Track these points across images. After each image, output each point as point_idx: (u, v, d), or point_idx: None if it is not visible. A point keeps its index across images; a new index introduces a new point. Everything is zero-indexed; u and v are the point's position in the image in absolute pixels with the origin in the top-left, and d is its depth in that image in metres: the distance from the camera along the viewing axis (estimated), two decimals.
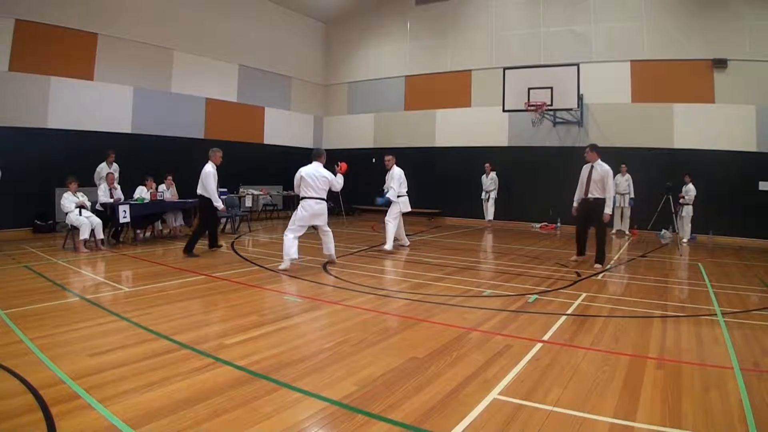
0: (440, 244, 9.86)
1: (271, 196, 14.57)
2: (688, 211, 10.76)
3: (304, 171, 6.67)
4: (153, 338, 3.74)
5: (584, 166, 7.35)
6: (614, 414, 2.61)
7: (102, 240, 8.24)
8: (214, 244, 8.21)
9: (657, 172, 11.39)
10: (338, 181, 6.90)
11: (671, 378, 3.14)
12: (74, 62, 10.49)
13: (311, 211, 6.63)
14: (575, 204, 7.51)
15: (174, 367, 3.16)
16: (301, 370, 3.18)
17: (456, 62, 14.59)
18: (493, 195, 13.15)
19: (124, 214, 8.34)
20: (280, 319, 4.38)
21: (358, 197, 14.94)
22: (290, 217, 6.82)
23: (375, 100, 16.18)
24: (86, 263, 6.99)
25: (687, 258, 8.80)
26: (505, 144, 13.78)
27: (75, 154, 10.09)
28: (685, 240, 10.80)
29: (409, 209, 8.93)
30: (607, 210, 7.07)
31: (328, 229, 6.89)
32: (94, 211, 8.41)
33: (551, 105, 11.60)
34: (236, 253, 8.06)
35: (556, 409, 2.66)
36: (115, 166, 9.84)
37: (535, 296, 5.39)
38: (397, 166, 8.83)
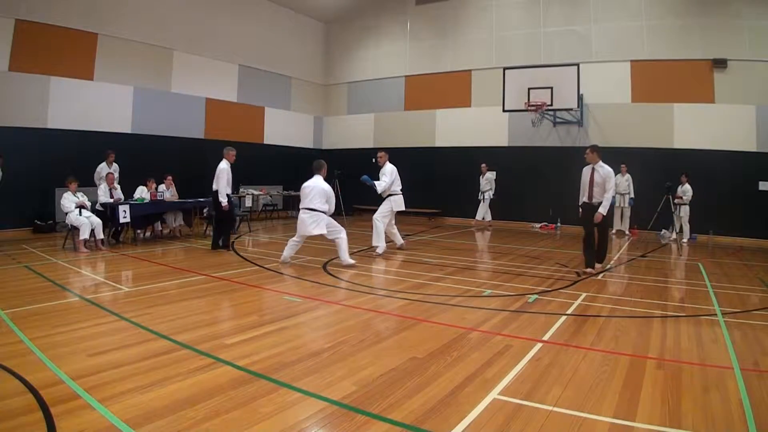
0: (440, 244, 9.85)
1: (271, 196, 14.54)
2: (685, 211, 10.76)
3: (305, 184, 6.98)
4: (153, 338, 3.74)
5: (585, 168, 6.97)
6: (614, 414, 2.61)
7: (102, 240, 8.24)
8: (224, 244, 8.23)
9: (657, 172, 11.37)
10: (332, 201, 6.91)
11: (671, 378, 3.14)
12: (74, 62, 10.49)
13: (300, 221, 6.91)
14: (581, 210, 7.21)
15: (174, 367, 3.15)
16: (301, 370, 3.18)
17: (456, 62, 14.59)
18: (487, 195, 12.92)
19: (124, 214, 8.35)
20: (280, 319, 4.38)
21: (358, 197, 14.93)
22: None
23: (375, 100, 16.18)
24: (86, 263, 6.99)
25: (687, 258, 8.81)
26: (505, 144, 13.78)
27: (75, 154, 10.09)
28: (684, 240, 10.80)
29: (403, 208, 8.63)
30: (602, 210, 6.81)
31: (334, 236, 6.88)
32: (94, 211, 8.40)
33: (551, 105, 11.60)
34: (236, 253, 8.06)
35: (556, 409, 2.66)
36: (115, 166, 9.82)
37: (535, 296, 5.39)
38: (390, 163, 8.46)
